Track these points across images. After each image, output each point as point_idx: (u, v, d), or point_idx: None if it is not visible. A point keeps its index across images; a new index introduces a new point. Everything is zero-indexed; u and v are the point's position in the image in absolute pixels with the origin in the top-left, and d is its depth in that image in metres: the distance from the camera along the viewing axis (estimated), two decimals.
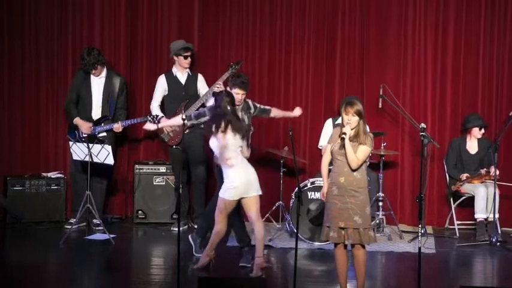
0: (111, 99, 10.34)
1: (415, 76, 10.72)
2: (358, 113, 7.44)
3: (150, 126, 9.56)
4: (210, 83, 10.28)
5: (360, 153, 7.44)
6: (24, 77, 10.82)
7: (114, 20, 10.83)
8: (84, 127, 10.18)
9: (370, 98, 10.58)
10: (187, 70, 10.37)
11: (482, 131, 10.37)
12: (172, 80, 10.34)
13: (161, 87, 10.36)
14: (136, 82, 10.90)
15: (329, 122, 10.38)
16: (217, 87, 9.93)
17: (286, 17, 10.79)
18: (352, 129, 7.44)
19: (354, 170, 7.44)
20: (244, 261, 8.69)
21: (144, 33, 10.88)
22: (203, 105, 9.54)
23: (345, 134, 7.42)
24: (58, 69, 10.86)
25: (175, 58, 10.32)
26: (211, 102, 10.02)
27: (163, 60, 10.83)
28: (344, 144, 7.42)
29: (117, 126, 10.17)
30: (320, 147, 10.40)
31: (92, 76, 10.34)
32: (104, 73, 10.38)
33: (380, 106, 10.48)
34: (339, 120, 10.08)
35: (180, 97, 10.26)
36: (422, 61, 10.70)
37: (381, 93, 10.43)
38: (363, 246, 7.54)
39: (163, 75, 10.41)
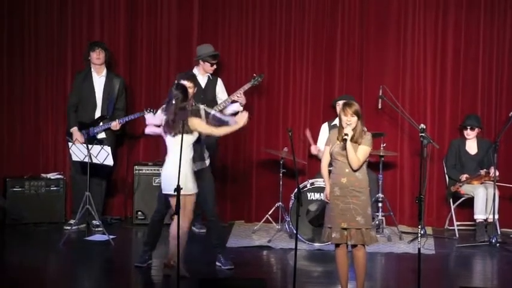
0: (110, 99, 10.34)
1: (414, 77, 10.71)
2: (357, 113, 7.45)
3: (151, 119, 9.42)
4: None
5: (359, 153, 7.45)
6: (23, 77, 10.80)
7: (114, 20, 10.83)
8: (77, 136, 10.12)
9: (370, 99, 10.58)
10: (208, 74, 10.32)
11: (475, 131, 10.33)
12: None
13: None
14: (136, 82, 10.89)
15: (325, 126, 10.37)
16: (238, 97, 9.98)
17: (286, 19, 10.77)
18: (352, 129, 7.45)
19: (355, 170, 7.46)
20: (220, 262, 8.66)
21: (144, 33, 10.86)
22: (221, 111, 9.45)
23: (346, 135, 7.41)
24: (58, 70, 10.84)
25: (200, 62, 10.25)
26: (229, 110, 10.05)
27: (163, 60, 10.83)
28: (346, 146, 7.42)
29: (115, 124, 10.15)
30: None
31: (93, 76, 10.34)
32: (104, 72, 10.39)
33: (379, 107, 10.48)
34: (335, 122, 10.17)
35: (198, 100, 10.20)
36: (422, 62, 10.69)
37: (380, 94, 10.43)
38: (363, 246, 7.55)
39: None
